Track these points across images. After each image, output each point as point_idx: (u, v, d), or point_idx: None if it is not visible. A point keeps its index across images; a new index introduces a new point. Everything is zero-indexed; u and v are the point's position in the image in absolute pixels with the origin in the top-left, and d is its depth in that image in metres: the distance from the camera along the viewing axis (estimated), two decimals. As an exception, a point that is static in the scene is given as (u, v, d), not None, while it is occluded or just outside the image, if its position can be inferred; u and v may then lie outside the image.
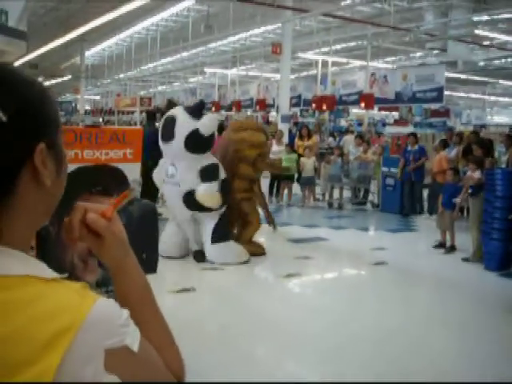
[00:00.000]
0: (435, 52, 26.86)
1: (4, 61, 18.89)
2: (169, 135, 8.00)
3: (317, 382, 4.99)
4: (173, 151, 8.09)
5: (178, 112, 8.14)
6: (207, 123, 7.91)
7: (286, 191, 14.64)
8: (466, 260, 9.10)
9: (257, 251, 8.87)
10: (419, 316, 6.68)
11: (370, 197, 14.93)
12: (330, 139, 24.23)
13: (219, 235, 8.31)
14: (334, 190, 14.76)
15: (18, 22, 16.82)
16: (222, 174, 8.28)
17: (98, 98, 54.74)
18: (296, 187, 14.84)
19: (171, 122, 8.00)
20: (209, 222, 8.32)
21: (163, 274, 7.44)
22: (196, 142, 7.88)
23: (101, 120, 42.54)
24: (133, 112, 36.79)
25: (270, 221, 10.46)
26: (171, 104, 8.75)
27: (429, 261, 9.35)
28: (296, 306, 6.80)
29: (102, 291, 5.00)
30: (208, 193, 7.99)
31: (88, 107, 51.96)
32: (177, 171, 8.09)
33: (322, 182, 15.15)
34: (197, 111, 8.04)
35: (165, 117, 8.32)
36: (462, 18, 21.39)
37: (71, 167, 4.66)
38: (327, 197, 14.82)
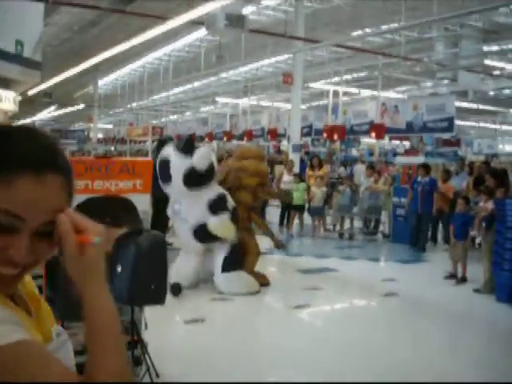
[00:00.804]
0: (445, 82, 26.94)
1: (18, 90, 19.11)
2: (166, 177, 7.98)
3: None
4: (174, 191, 8.11)
5: (169, 153, 8.05)
6: (201, 159, 7.82)
7: (296, 221, 14.63)
8: (477, 291, 9.03)
9: (261, 282, 8.80)
10: (429, 347, 6.61)
11: (381, 227, 14.88)
12: (342, 169, 24.24)
13: (230, 264, 8.28)
14: (345, 220, 14.73)
15: (33, 52, 17.10)
16: (231, 203, 8.28)
17: (110, 126, 55.17)
18: (307, 217, 14.81)
19: (165, 165, 7.94)
20: (221, 252, 8.32)
21: (173, 304, 7.44)
22: (195, 180, 7.85)
23: (112, 149, 42.85)
24: (145, 141, 37.05)
25: (277, 243, 10.22)
26: (162, 143, 8.71)
27: (439, 292, 9.28)
28: (305, 336, 6.77)
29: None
30: (221, 224, 8.01)
31: (101, 135, 52.39)
32: (181, 207, 8.08)
33: (332, 213, 15.13)
34: (187, 148, 7.91)
35: (158, 159, 8.18)
36: (471, 48, 21.52)
37: (81, 198, 4.71)
38: (338, 227, 14.79)
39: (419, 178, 12.94)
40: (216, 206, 8.02)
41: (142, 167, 5.07)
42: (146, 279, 4.47)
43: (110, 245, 1.09)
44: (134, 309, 4.74)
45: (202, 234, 8.05)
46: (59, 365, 1.08)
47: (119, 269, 4.47)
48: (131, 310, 4.73)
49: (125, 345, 1.23)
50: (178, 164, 7.81)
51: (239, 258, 8.52)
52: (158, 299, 4.62)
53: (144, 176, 5.05)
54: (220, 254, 8.31)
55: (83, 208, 5.38)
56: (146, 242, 4.53)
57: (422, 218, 12.58)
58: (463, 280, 9.68)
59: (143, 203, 5.07)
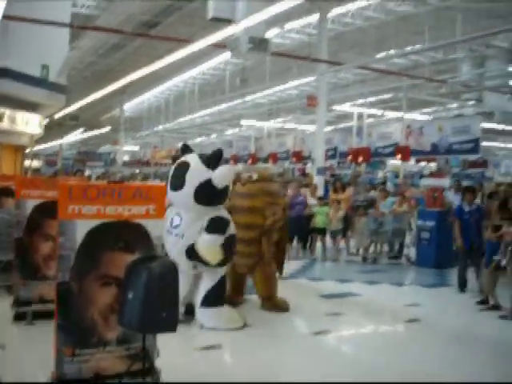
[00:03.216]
0: (471, 103, 26.76)
1: (44, 113, 19.49)
2: (178, 183, 7.29)
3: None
4: (181, 201, 7.38)
5: (191, 159, 7.46)
6: (222, 174, 7.27)
7: (319, 244, 14.46)
8: (503, 317, 8.80)
9: (281, 307, 8.74)
10: (450, 373, 6.41)
11: (405, 251, 14.67)
12: (372, 193, 23.97)
13: (213, 299, 7.68)
14: (370, 243, 14.50)
15: (58, 76, 17.33)
16: (232, 232, 7.59)
17: (136, 148, 55.48)
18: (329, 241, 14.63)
19: (183, 168, 7.33)
20: (207, 282, 7.69)
21: (189, 331, 7.35)
22: (207, 194, 7.23)
23: (137, 171, 43.09)
24: (170, 164, 37.21)
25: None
26: (186, 149, 7.83)
27: (464, 318, 9.09)
28: (326, 362, 6.62)
29: (122, 348, 4.94)
30: (209, 245, 7.30)
31: (127, 158, 52.78)
32: (181, 222, 7.38)
33: (356, 236, 14.94)
34: (213, 161, 7.34)
35: (176, 162, 7.57)
36: (497, 68, 21.39)
37: (94, 223, 4.65)
38: (361, 251, 14.58)
39: (466, 207, 10.76)
40: (213, 226, 7.33)
41: (155, 192, 5.01)
42: (157, 306, 4.39)
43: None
44: (145, 336, 4.67)
45: (192, 252, 7.37)
46: None
47: (130, 295, 4.41)
48: (143, 337, 4.65)
49: None
50: (197, 172, 7.22)
51: (223, 293, 7.94)
52: (170, 326, 4.54)
53: (157, 201, 4.99)
54: (205, 285, 7.69)
55: (96, 234, 5.34)
56: (157, 268, 4.46)
57: (474, 254, 10.51)
58: (494, 308, 9.34)
59: (156, 229, 5.01)
